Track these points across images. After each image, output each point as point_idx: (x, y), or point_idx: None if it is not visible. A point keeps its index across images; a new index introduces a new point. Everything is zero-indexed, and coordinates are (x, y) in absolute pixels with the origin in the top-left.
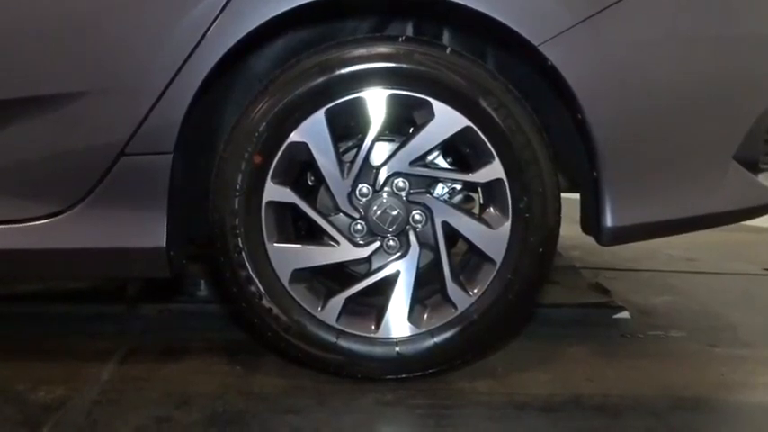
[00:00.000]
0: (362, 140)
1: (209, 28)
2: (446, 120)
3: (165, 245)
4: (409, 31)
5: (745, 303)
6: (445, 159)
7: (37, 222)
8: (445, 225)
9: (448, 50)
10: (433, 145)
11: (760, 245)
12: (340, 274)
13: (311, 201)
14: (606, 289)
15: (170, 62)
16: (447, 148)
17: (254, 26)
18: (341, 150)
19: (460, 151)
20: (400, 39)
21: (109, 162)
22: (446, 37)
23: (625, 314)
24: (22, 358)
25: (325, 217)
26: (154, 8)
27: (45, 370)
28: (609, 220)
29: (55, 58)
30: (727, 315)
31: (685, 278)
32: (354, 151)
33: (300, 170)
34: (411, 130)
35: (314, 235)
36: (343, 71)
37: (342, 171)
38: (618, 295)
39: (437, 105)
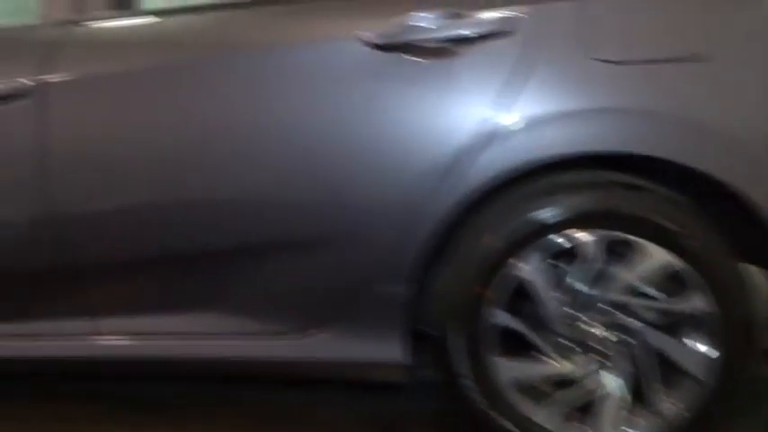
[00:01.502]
0: (574, 272)
1: (446, 176)
2: (651, 256)
3: (401, 359)
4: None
5: None
6: (649, 286)
7: (296, 336)
8: (650, 346)
9: (650, 193)
10: (639, 277)
11: None
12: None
13: (526, 321)
14: None
15: (411, 206)
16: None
17: (496, 174)
18: (554, 277)
19: (665, 281)
20: (605, 184)
21: (357, 291)
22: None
23: None
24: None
25: (540, 336)
26: (403, 153)
27: None
28: None
29: (313, 207)
30: None
31: None
32: (566, 279)
33: (516, 292)
34: (619, 262)
35: (529, 348)
36: (556, 217)
37: (555, 298)
38: None
39: (642, 243)
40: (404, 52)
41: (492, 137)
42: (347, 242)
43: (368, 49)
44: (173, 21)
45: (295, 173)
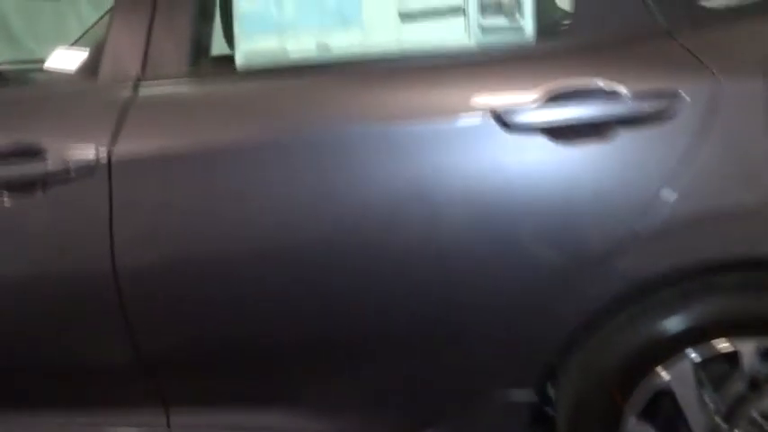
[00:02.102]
0: (726, 380)
1: (590, 276)
2: None
3: None
4: None
5: None
6: None
7: None
8: None
9: None
10: None
11: None
12: None
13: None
14: None
15: (547, 306)
16: None
17: (649, 277)
18: (703, 385)
19: None
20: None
21: (476, 393)
22: None
23: None
24: None
25: None
26: (539, 248)
27: None
28: None
29: (436, 302)
30: None
31: None
32: (717, 387)
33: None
34: None
35: None
36: (711, 321)
37: (703, 408)
38: None
39: None
40: (544, 133)
41: (651, 234)
42: (470, 342)
43: (502, 129)
44: (262, 84)
45: (415, 265)
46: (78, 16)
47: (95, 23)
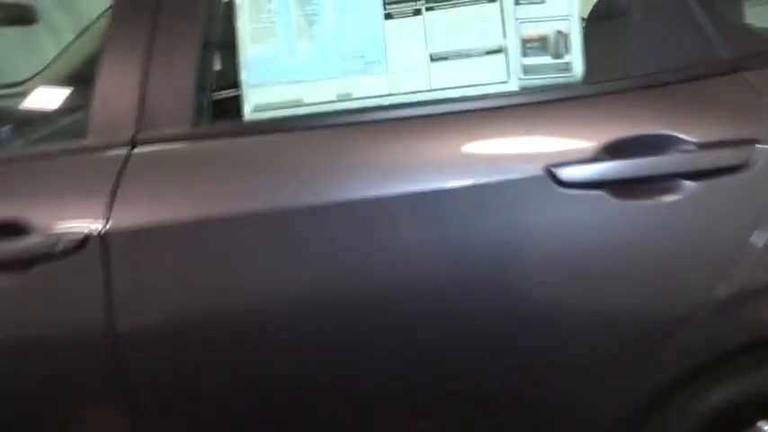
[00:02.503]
0: None
1: (660, 345)
2: None
3: None
4: None
5: None
6: None
7: None
8: None
9: None
10: None
11: None
12: None
13: None
14: None
15: (610, 379)
16: None
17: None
18: None
19: None
20: None
21: None
22: None
23: None
24: None
25: None
26: (600, 318)
27: None
28: None
29: (487, 376)
30: None
31: None
32: None
33: None
34: None
35: None
36: None
37: None
38: None
39: None
40: (603, 189)
41: (726, 300)
42: (536, 412)
43: (555, 185)
44: (274, 140)
45: (463, 336)
46: (58, 43)
47: (65, 48)
